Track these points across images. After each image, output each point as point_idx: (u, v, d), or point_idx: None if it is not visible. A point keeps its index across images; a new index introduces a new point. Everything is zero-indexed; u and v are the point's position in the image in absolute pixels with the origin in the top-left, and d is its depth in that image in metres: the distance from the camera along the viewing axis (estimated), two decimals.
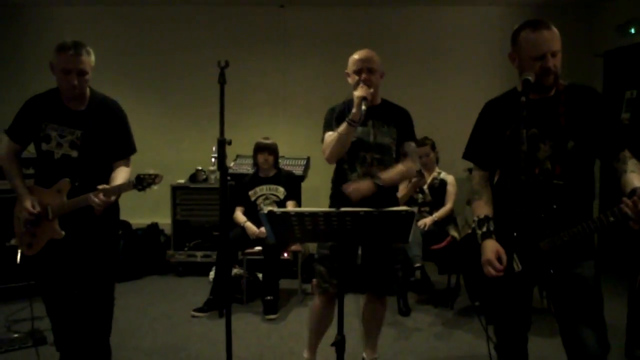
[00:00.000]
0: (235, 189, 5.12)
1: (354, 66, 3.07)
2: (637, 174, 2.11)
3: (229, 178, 2.97)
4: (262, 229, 4.56)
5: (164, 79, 6.64)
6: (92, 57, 2.83)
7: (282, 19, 6.60)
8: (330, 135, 3.04)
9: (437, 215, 4.87)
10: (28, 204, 2.82)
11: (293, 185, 5.06)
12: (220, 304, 4.52)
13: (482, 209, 2.40)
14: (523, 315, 2.43)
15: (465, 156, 2.55)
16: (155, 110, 6.56)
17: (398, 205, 3.22)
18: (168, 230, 5.93)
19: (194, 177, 5.86)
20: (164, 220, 5.98)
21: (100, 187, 2.69)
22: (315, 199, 5.63)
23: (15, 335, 3.91)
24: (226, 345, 2.60)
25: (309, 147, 5.65)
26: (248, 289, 4.87)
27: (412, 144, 3.17)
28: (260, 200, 4.95)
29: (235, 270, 5.03)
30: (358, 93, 2.90)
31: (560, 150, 2.24)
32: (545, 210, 2.24)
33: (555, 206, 2.24)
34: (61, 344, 3.04)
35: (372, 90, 2.96)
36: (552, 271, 2.25)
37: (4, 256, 4.52)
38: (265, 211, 2.15)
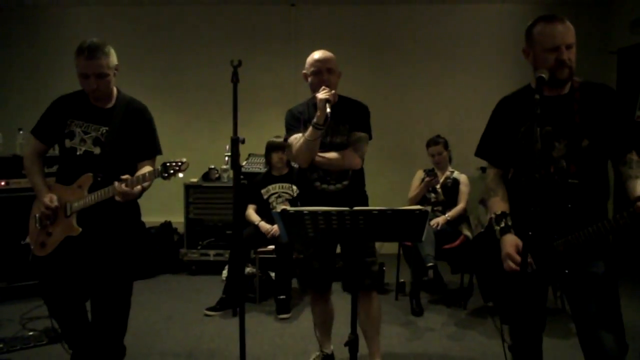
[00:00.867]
0: (247, 187, 5.13)
1: (312, 67, 3.11)
2: None
3: (241, 177, 2.98)
4: (276, 227, 4.57)
5: (176, 78, 6.67)
6: (112, 57, 2.80)
7: (294, 18, 6.61)
8: (296, 139, 3.06)
9: (449, 214, 4.85)
10: (47, 198, 2.81)
11: None
12: (233, 302, 4.53)
13: (499, 205, 2.38)
14: (538, 315, 2.41)
15: (478, 153, 2.54)
16: (168, 109, 6.57)
17: (366, 200, 3.24)
18: (181, 228, 5.96)
19: (206, 176, 5.87)
20: (177, 219, 6.01)
21: (124, 177, 2.64)
22: None
23: (30, 333, 3.95)
24: (240, 344, 2.61)
25: None
26: (261, 288, 4.88)
27: (359, 134, 3.11)
28: (273, 199, 4.95)
29: (248, 269, 5.05)
30: (321, 96, 2.91)
31: (575, 149, 2.22)
32: (560, 209, 2.23)
33: (570, 205, 2.22)
34: (71, 342, 3.05)
35: (334, 91, 2.97)
36: (567, 271, 2.23)
37: (19, 254, 4.55)
38: (279, 210, 2.15)
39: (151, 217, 5.99)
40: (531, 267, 2.23)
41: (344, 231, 2.18)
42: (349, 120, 3.11)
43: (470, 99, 6.37)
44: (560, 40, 2.18)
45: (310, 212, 2.15)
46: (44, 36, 6.60)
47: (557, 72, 2.19)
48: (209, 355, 3.71)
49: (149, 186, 2.76)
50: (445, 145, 5.03)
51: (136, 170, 2.85)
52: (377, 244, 3.35)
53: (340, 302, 3.46)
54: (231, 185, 5.56)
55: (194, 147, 6.53)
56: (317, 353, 3.45)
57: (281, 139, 4.99)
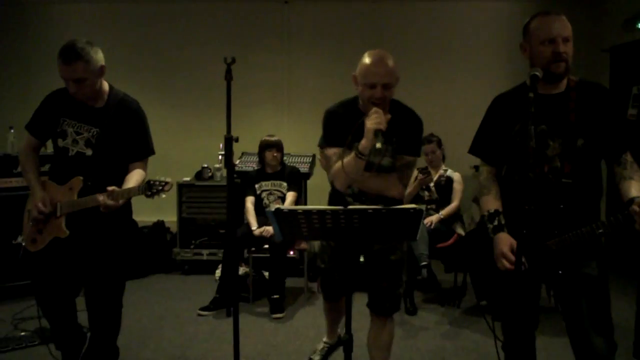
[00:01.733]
0: (243, 181, 5.13)
1: (366, 78, 2.53)
2: (636, 181, 2.13)
3: (235, 176, 2.95)
4: (267, 228, 4.58)
5: (168, 76, 6.63)
6: (93, 61, 2.69)
7: (286, 15, 6.58)
8: (335, 155, 2.66)
9: (443, 213, 4.85)
10: (40, 202, 2.80)
11: (295, 178, 5.06)
12: (226, 302, 4.51)
13: (492, 203, 2.38)
14: (531, 313, 2.41)
15: (471, 151, 2.53)
16: (160, 108, 6.52)
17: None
18: (174, 228, 5.92)
19: (199, 175, 5.85)
20: (170, 218, 5.97)
21: (109, 188, 2.63)
22: (322, 196, 5.59)
23: (22, 333, 3.92)
24: (233, 344, 2.60)
25: (314, 144, 5.58)
26: (254, 288, 4.86)
27: (408, 159, 2.72)
28: (264, 195, 4.96)
29: (241, 269, 5.03)
30: (371, 125, 2.41)
31: (570, 148, 2.22)
32: (553, 208, 2.23)
33: (562, 205, 2.22)
34: (59, 343, 3.04)
35: (389, 116, 2.49)
36: (560, 272, 2.23)
37: (10, 254, 4.52)
38: (273, 209, 2.14)
39: (144, 216, 5.96)
40: (524, 265, 2.23)
41: (339, 230, 2.17)
42: (397, 134, 2.64)
43: (464, 97, 6.36)
44: (556, 32, 2.18)
45: (305, 211, 2.14)
46: (34, 33, 6.54)
47: (553, 65, 2.19)
48: (203, 356, 3.69)
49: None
50: (439, 144, 5.04)
51: (128, 171, 2.85)
52: None
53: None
54: (224, 184, 5.57)
55: (186, 145, 6.51)
56: (321, 345, 3.43)
57: (275, 138, 4.99)
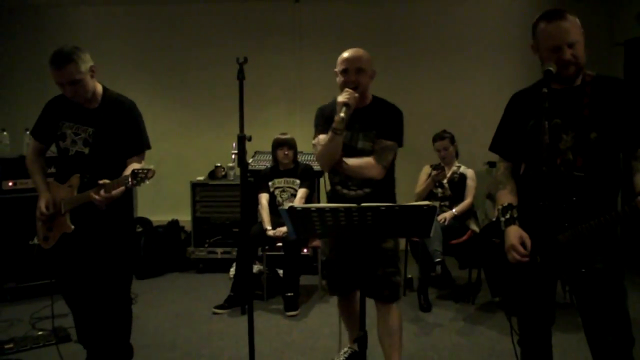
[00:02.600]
0: (257, 178, 5.14)
1: (340, 65, 2.91)
2: None
3: (248, 174, 2.96)
4: (281, 228, 4.59)
5: (181, 77, 6.66)
6: (82, 62, 2.83)
7: (298, 14, 6.58)
8: (322, 141, 2.91)
9: (457, 209, 4.83)
10: (43, 203, 2.96)
11: (308, 175, 5.05)
12: (241, 300, 4.53)
13: (506, 197, 2.37)
14: (546, 309, 2.40)
15: (492, 148, 2.53)
16: (173, 108, 6.59)
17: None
18: (188, 227, 5.96)
19: (213, 174, 5.87)
20: (184, 217, 6.00)
21: (100, 182, 2.74)
22: None
23: (40, 332, 3.97)
24: (248, 342, 2.61)
25: None
26: (268, 286, 4.88)
27: (385, 142, 2.92)
28: (277, 192, 4.98)
29: (255, 267, 5.05)
30: (340, 99, 2.75)
31: (583, 142, 2.20)
32: (565, 202, 2.22)
33: (574, 198, 2.21)
34: (84, 340, 3.10)
35: (357, 95, 2.79)
36: (583, 270, 2.21)
37: (27, 255, 4.58)
38: (286, 207, 2.15)
39: (158, 215, 6.03)
40: (535, 259, 2.23)
41: (352, 227, 2.18)
42: (376, 126, 2.92)
43: (476, 94, 6.33)
44: (560, 41, 2.14)
45: (318, 208, 2.15)
46: (50, 36, 6.58)
47: (562, 71, 2.18)
48: (218, 354, 3.71)
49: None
50: (452, 140, 5.01)
51: (125, 167, 2.94)
52: None
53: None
54: (238, 183, 5.59)
55: (200, 145, 6.54)
56: (346, 348, 3.42)
57: (287, 136, 5.00)
